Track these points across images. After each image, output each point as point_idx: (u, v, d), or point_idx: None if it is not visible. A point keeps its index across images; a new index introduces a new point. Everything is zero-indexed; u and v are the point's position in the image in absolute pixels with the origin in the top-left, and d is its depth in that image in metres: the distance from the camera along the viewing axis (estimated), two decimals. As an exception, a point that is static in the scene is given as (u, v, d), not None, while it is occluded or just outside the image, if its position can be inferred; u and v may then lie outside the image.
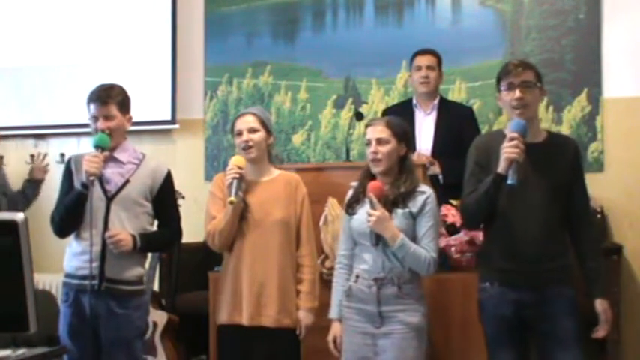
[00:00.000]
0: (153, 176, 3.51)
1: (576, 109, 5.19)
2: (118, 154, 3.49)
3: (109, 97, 3.45)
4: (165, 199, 3.56)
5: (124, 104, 3.52)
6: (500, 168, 3.02)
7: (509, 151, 2.99)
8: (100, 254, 3.37)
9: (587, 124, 5.17)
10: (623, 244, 4.83)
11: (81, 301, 3.41)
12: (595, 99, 5.16)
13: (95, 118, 3.46)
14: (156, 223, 3.61)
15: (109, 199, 3.42)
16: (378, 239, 3.15)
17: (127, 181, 3.46)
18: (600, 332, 3.12)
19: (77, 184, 3.40)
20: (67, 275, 3.47)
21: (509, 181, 2.99)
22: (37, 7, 6.22)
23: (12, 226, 2.40)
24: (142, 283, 3.51)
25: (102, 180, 3.42)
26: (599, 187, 4.69)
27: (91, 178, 3.30)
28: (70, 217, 3.42)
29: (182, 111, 5.95)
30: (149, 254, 4.75)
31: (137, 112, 5.88)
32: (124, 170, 3.48)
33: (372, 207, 3.14)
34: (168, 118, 5.94)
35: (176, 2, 5.95)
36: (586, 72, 5.18)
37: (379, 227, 3.12)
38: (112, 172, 3.45)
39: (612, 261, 4.54)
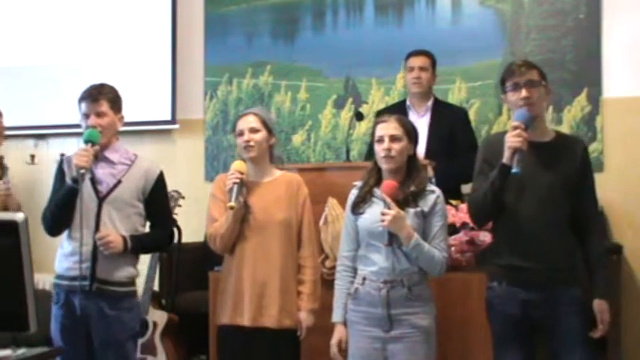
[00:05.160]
0: (145, 176, 3.48)
1: (576, 109, 5.19)
2: (109, 154, 3.46)
3: (100, 95, 3.43)
4: (157, 199, 3.52)
5: (116, 103, 3.49)
6: (505, 157, 3.02)
7: (512, 140, 3.00)
8: (92, 255, 3.35)
9: (587, 124, 5.17)
10: (623, 244, 4.83)
11: (72, 302, 3.38)
12: (595, 99, 5.16)
13: (86, 116, 3.43)
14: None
15: (101, 199, 3.39)
16: (392, 239, 3.11)
17: (119, 182, 3.42)
18: (597, 333, 3.11)
19: (68, 181, 3.36)
20: (58, 277, 3.45)
21: (513, 170, 2.99)
22: (37, 7, 6.22)
23: (12, 226, 2.40)
24: (133, 285, 3.48)
25: (93, 180, 3.39)
26: (599, 187, 4.59)
27: (81, 172, 3.26)
28: (61, 213, 3.38)
29: (182, 111, 5.96)
30: (149, 254, 4.80)
31: (137, 112, 5.92)
32: (115, 171, 3.45)
33: (387, 206, 3.10)
34: (169, 118, 5.94)
35: (176, 2, 5.95)
36: (586, 72, 5.18)
37: (394, 226, 3.07)
38: (104, 173, 3.43)
39: (612, 261, 4.53)
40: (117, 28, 6.06)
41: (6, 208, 5.03)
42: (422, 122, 4.67)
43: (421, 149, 4.54)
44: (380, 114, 4.65)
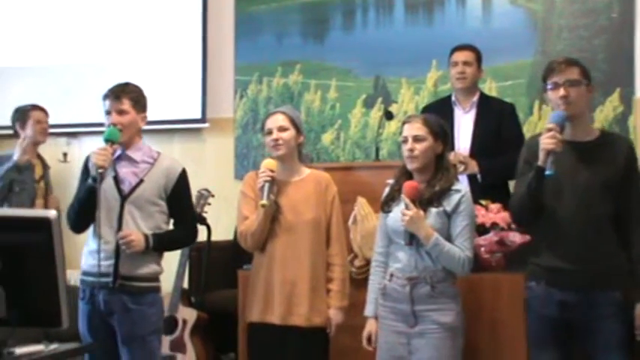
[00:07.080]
0: (167, 175, 3.48)
1: (608, 109, 5.15)
2: (131, 153, 3.48)
3: (123, 93, 3.46)
4: (179, 197, 3.52)
5: (139, 102, 3.50)
6: (540, 160, 3.01)
7: (545, 142, 2.99)
8: (114, 253, 3.38)
9: (620, 124, 5.12)
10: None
11: (97, 298, 3.42)
12: (627, 99, 5.11)
13: (108, 113, 3.46)
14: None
15: (123, 198, 3.42)
16: (412, 238, 3.15)
17: (141, 181, 3.44)
18: (637, 337, 3.07)
19: (89, 180, 3.39)
20: (84, 273, 3.50)
21: (546, 172, 2.98)
22: (71, 6, 6.28)
23: (45, 223, 2.43)
24: (157, 280, 3.50)
25: (116, 179, 3.42)
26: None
27: (100, 171, 3.28)
28: (82, 211, 3.41)
29: (212, 110, 5.99)
30: (179, 253, 4.83)
31: (167, 111, 5.96)
32: (138, 169, 3.46)
33: (406, 206, 3.14)
34: (199, 116, 5.98)
35: (207, 2, 5.98)
36: (618, 72, 5.13)
37: (413, 226, 3.12)
38: (126, 172, 3.45)
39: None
40: (148, 27, 6.10)
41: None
42: (467, 118, 4.57)
43: (466, 145, 4.49)
44: (424, 111, 4.60)
